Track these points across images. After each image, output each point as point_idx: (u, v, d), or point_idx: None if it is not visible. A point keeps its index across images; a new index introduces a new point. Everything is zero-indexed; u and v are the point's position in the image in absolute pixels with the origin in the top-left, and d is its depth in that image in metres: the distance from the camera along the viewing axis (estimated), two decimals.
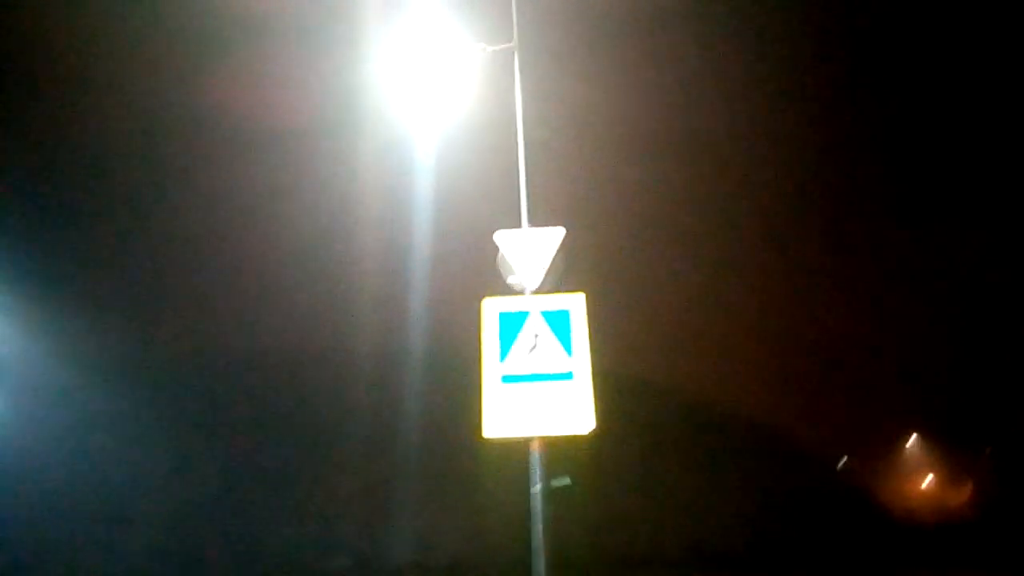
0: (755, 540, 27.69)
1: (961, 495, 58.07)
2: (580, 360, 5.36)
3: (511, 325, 5.43)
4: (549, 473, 5.29)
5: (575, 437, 5.40)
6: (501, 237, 5.73)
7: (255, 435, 29.08)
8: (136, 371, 29.21)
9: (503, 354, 5.37)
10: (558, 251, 5.71)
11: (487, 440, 5.42)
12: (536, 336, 5.39)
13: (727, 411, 37.03)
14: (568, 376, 5.33)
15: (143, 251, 33.22)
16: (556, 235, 5.74)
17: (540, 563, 5.06)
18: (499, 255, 5.76)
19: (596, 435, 5.87)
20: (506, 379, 5.33)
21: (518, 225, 5.90)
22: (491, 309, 5.46)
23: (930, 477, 61.03)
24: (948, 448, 58.15)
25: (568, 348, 5.38)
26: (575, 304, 5.46)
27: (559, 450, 5.48)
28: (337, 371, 29.52)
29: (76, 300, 29.19)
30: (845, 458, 53.25)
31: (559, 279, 5.71)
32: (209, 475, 28.38)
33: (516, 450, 5.61)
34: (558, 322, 5.43)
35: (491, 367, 5.35)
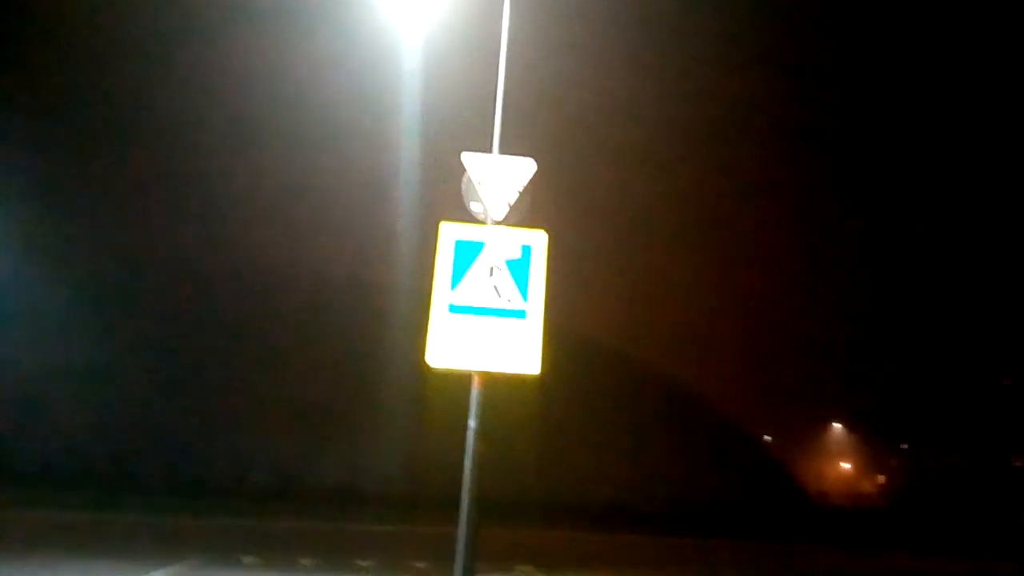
0: (676, 502, 28.47)
1: (875, 483, 60.80)
2: (535, 300, 5.13)
3: (467, 254, 5.15)
4: (487, 411, 5.10)
5: (517, 378, 5.21)
6: (469, 159, 5.40)
7: (194, 345, 28.45)
8: (79, 265, 28.22)
9: (454, 283, 5.11)
10: (527, 185, 5.41)
11: (431, 372, 5.20)
12: (492, 269, 5.13)
13: (667, 376, 37.68)
14: (520, 314, 5.11)
15: (110, 151, 32.03)
16: (527, 167, 5.43)
17: (467, 499, 4.92)
18: (464, 178, 5.44)
19: (538, 381, 5.71)
20: (454, 309, 5.08)
21: (489, 151, 5.57)
22: (448, 234, 5.16)
23: (846, 464, 63.64)
24: (866, 441, 60.64)
25: (524, 286, 5.14)
26: (537, 241, 5.20)
27: (500, 389, 5.29)
28: (288, 289, 28.93)
29: (34, 191, 27.98)
30: (768, 437, 55.16)
31: (524, 214, 5.43)
32: (141, 378, 27.78)
33: (460, 384, 5.41)
34: (518, 257, 5.17)
35: (441, 295, 5.08)
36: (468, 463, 4.99)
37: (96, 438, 25.96)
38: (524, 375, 5.07)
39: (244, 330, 28.40)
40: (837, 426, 62.03)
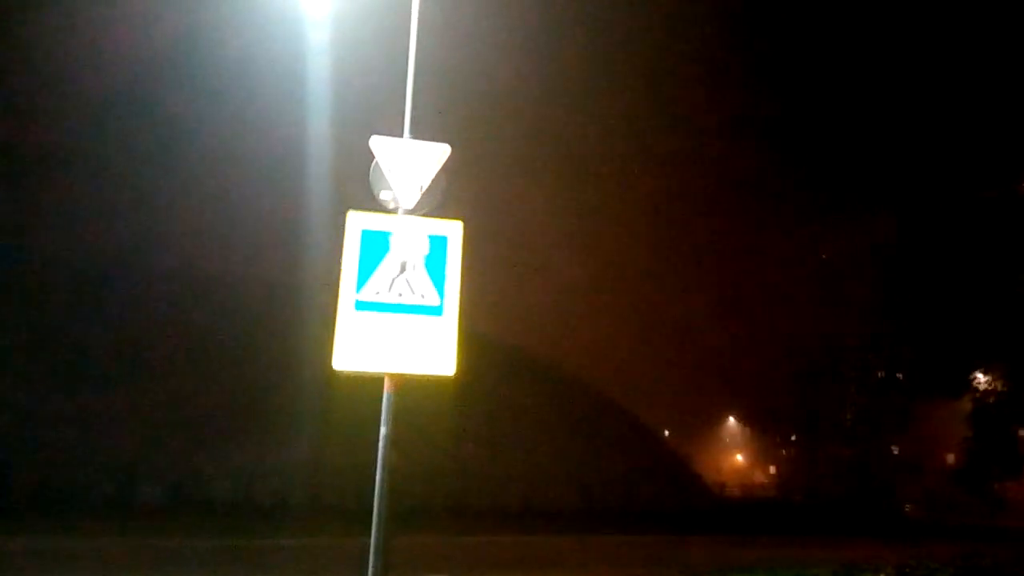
0: (587, 500, 28.69)
1: (767, 474, 63.55)
2: (451, 295, 4.78)
3: (376, 246, 4.75)
4: (399, 416, 4.71)
5: (430, 381, 4.85)
6: (378, 144, 4.99)
7: (77, 345, 26.40)
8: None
9: (362, 278, 4.69)
10: (440, 170, 5.05)
11: (339, 375, 4.77)
12: (403, 263, 4.75)
13: (573, 377, 38.03)
14: (435, 311, 4.74)
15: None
16: (441, 151, 5.07)
17: (379, 508, 4.53)
18: (373, 164, 5.02)
19: (451, 383, 5.37)
20: (362, 306, 4.66)
21: (400, 135, 5.17)
22: (355, 224, 4.74)
23: (740, 456, 66.28)
24: (759, 433, 63.34)
25: (439, 280, 4.78)
26: (452, 231, 4.85)
27: (412, 393, 4.91)
28: (180, 288, 27.25)
29: None
30: (666, 432, 56.72)
31: (438, 202, 5.07)
32: (15, 380, 25.54)
33: (370, 388, 5.00)
34: (431, 249, 4.81)
35: (347, 291, 4.66)
36: (380, 472, 4.59)
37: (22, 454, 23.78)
38: (438, 377, 4.72)
39: (131, 331, 26.58)
40: (731, 420, 64.54)
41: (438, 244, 4.83)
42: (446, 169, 5.06)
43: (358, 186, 5.04)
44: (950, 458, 45.67)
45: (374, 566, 4.49)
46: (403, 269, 4.74)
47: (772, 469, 63.07)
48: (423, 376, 4.68)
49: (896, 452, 50.04)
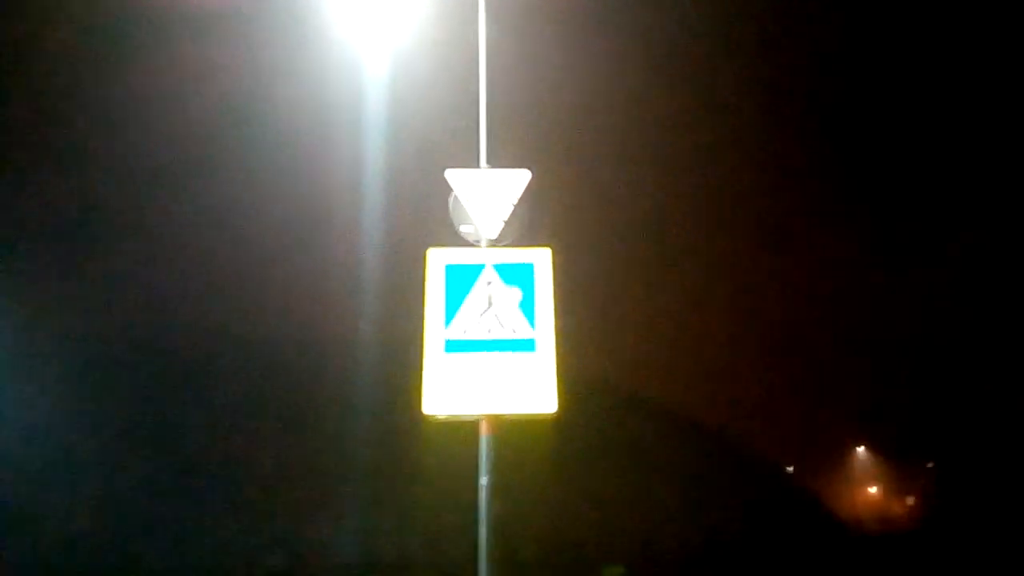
0: (705, 543, 27.19)
1: (904, 506, 59.13)
2: (543, 327, 4.43)
3: (460, 281, 4.48)
4: (500, 463, 4.35)
5: (530, 422, 4.49)
6: (455, 177, 4.76)
7: (181, 424, 27.44)
8: (54, 345, 27.38)
9: (449, 317, 4.42)
10: (521, 197, 4.76)
11: (432, 424, 4.48)
12: (491, 296, 4.45)
13: (682, 412, 36.60)
14: (528, 346, 4.40)
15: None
16: (520, 178, 4.80)
17: (484, 566, 4.14)
18: (451, 198, 4.79)
19: (552, 423, 4.99)
20: (452, 346, 4.37)
21: (475, 166, 4.94)
22: (437, 261, 4.49)
23: (874, 488, 62.02)
24: (893, 462, 59.27)
25: (530, 312, 4.45)
26: (540, 259, 4.53)
27: (511, 437, 4.54)
28: (267, 348, 27.82)
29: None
30: (791, 468, 53.79)
31: (522, 231, 4.77)
32: (133, 465, 26.70)
33: (464, 435, 4.68)
34: (519, 280, 4.49)
35: (434, 332, 4.39)
36: (483, 526, 4.23)
37: (94, 530, 24.80)
38: (539, 416, 4.35)
39: (236, 402, 27.42)
40: (860, 449, 60.62)
41: (526, 273, 4.52)
42: (528, 196, 4.77)
43: (435, 224, 4.81)
44: None
45: None
46: (491, 304, 4.45)
47: (910, 500, 58.63)
48: (522, 416, 4.32)
49: None
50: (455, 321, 4.42)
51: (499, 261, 4.52)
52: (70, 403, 26.41)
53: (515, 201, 4.75)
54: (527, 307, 4.45)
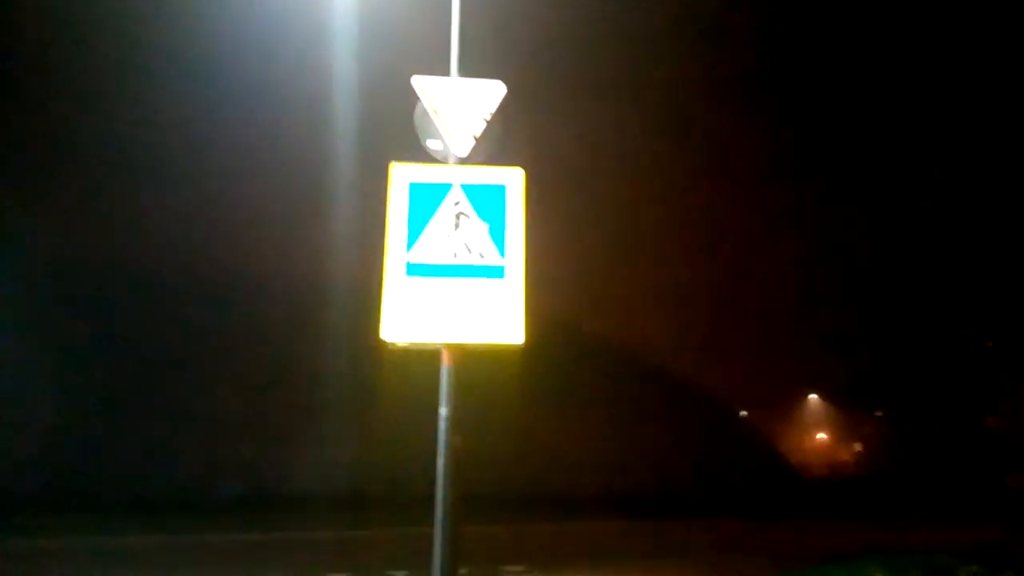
0: (663, 485, 27.81)
1: (852, 452, 61.21)
2: (514, 253, 4.15)
3: (426, 200, 4.15)
4: (461, 395, 4.11)
5: (494, 353, 4.24)
6: (422, 84, 4.38)
7: (141, 356, 26.89)
8: (22, 276, 26.45)
9: (412, 239, 4.10)
10: (496, 112, 4.41)
11: (393, 352, 4.22)
12: (459, 217, 4.14)
13: (643, 353, 36.98)
14: (497, 272, 4.12)
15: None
16: (495, 90, 4.43)
17: (444, 498, 3.95)
18: (417, 109, 4.42)
19: (517, 356, 4.76)
20: (414, 270, 4.08)
21: (446, 74, 4.55)
22: (400, 177, 4.15)
23: (822, 435, 63.98)
24: (842, 410, 61.02)
25: (500, 236, 4.15)
26: (513, 181, 4.22)
27: (475, 367, 4.30)
28: (227, 280, 27.11)
29: None
30: (744, 412, 55.10)
31: (495, 149, 4.43)
32: (94, 394, 26.19)
33: (426, 364, 4.43)
34: (490, 202, 4.18)
35: (395, 254, 4.08)
36: (441, 458, 4.02)
37: (46, 456, 24.40)
38: (505, 346, 4.11)
39: (187, 335, 26.86)
40: (813, 397, 62.22)
41: (497, 196, 4.20)
42: (502, 111, 4.42)
43: (401, 138, 4.44)
44: None
45: (441, 557, 3.95)
46: (458, 226, 4.14)
47: (857, 447, 60.66)
48: (487, 346, 4.07)
49: (991, 425, 47.39)
50: (418, 243, 4.12)
51: (468, 181, 4.20)
52: (32, 325, 25.70)
53: (488, 116, 4.40)
54: (497, 232, 4.16)
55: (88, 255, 27.20)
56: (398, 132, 4.46)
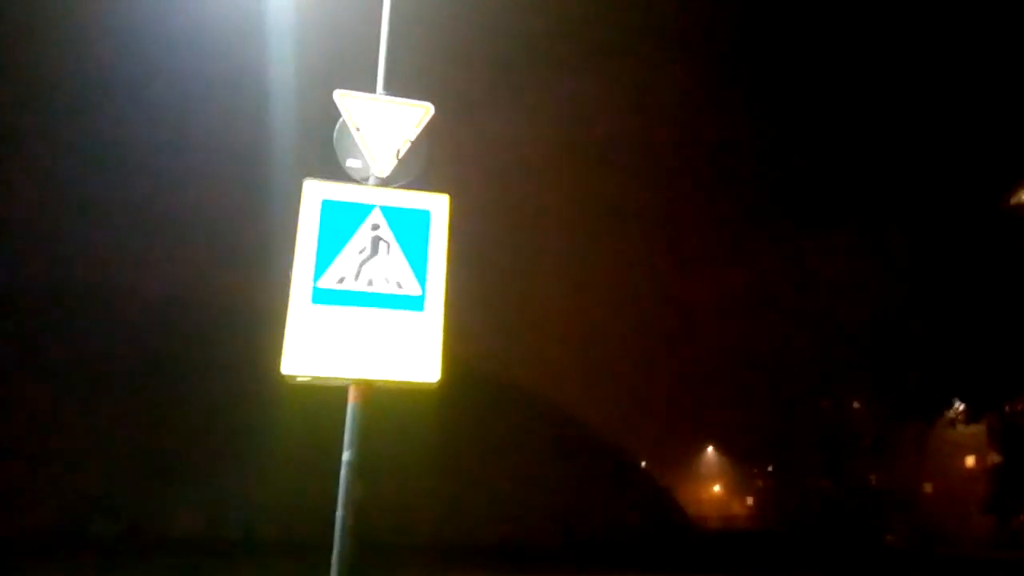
0: (568, 535, 27.47)
1: (744, 505, 62.76)
2: (434, 284, 3.85)
3: (341, 222, 3.81)
4: (366, 438, 3.74)
5: (407, 391, 3.91)
6: (345, 100, 4.07)
7: (12, 379, 24.74)
8: None
9: (322, 263, 3.74)
10: (420, 135, 4.14)
11: (295, 388, 3.82)
12: (376, 242, 3.81)
13: (551, 403, 36.92)
14: (415, 304, 3.80)
15: None
16: (422, 112, 4.17)
17: (341, 554, 3.54)
18: (338, 126, 4.10)
19: (431, 395, 4.43)
20: (322, 296, 3.71)
21: (372, 91, 4.26)
22: (313, 194, 3.80)
23: (717, 487, 65.46)
24: (736, 462, 62.70)
25: (421, 266, 3.85)
26: (437, 206, 3.93)
27: (381, 408, 3.93)
28: (117, 296, 25.41)
29: None
30: (644, 463, 55.75)
31: (417, 172, 4.16)
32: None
33: (330, 402, 4.04)
34: (411, 228, 3.88)
35: (302, 279, 3.71)
36: (342, 507, 3.61)
37: None
38: (418, 385, 3.77)
39: (81, 354, 24.97)
40: (710, 449, 63.73)
41: (419, 221, 3.91)
42: (428, 133, 4.16)
43: (318, 155, 4.11)
44: (928, 487, 45.38)
45: None
46: (375, 252, 3.81)
47: (749, 500, 62.29)
48: (398, 383, 3.73)
49: (873, 482, 49.54)
50: (330, 268, 3.76)
51: (390, 203, 3.89)
52: None
53: (412, 137, 4.13)
54: (417, 260, 3.85)
55: None
56: (316, 148, 4.11)
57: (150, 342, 25.93)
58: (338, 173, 4.08)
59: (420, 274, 3.85)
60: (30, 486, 23.95)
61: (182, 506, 24.77)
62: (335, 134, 4.11)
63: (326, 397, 4.07)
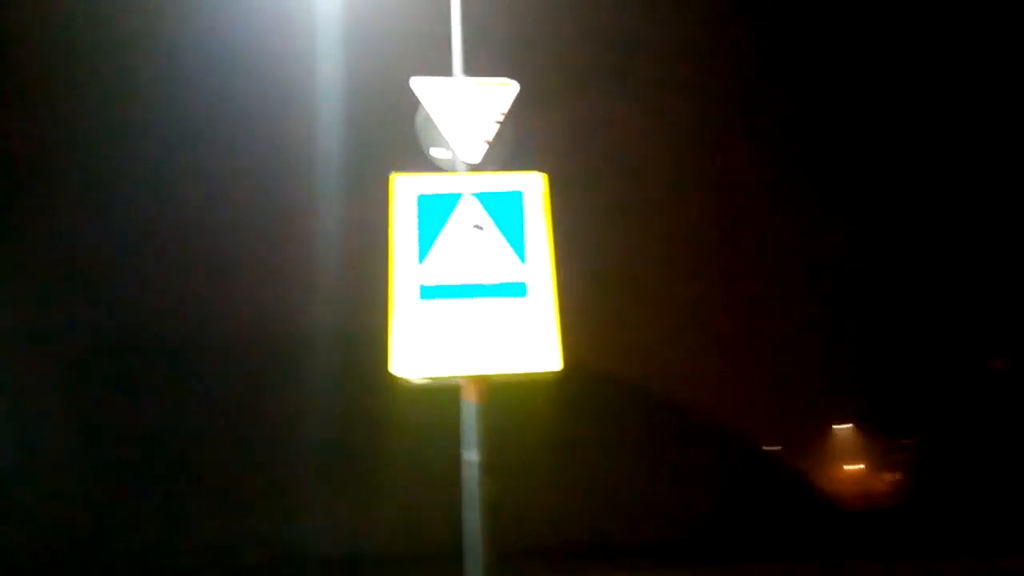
0: (701, 528, 26.68)
1: (888, 483, 59.58)
2: (537, 266, 3.61)
3: (435, 213, 3.64)
4: (491, 435, 3.54)
5: (525, 384, 3.69)
6: (423, 86, 3.90)
7: (148, 423, 26.25)
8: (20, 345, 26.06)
9: (422, 255, 3.58)
10: (507, 113, 3.92)
11: (407, 390, 3.68)
12: (473, 229, 3.62)
13: (664, 390, 35.99)
14: (519, 289, 3.59)
15: None
16: (506, 90, 3.95)
17: (475, 557, 3.34)
18: (419, 115, 3.94)
19: (552, 384, 4.19)
20: (427, 292, 3.54)
21: (449, 74, 4.08)
22: (405, 190, 3.65)
23: (859, 465, 62.38)
24: (876, 438, 59.64)
25: (520, 248, 3.63)
26: (531, 186, 3.71)
27: (505, 401, 3.73)
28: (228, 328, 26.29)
29: None
30: (775, 446, 53.74)
31: (508, 154, 3.94)
32: (102, 463, 25.52)
33: (446, 401, 3.87)
34: (506, 210, 3.67)
35: (404, 275, 3.55)
36: (470, 510, 3.42)
37: (63, 530, 23.65)
38: (536, 375, 3.54)
39: (192, 399, 26.24)
40: (843, 427, 60.88)
41: (514, 203, 3.69)
42: (515, 113, 3.94)
43: (402, 148, 3.95)
44: None
45: None
46: (473, 240, 3.62)
47: (890, 476, 59.01)
48: (515, 376, 3.51)
49: None
50: (428, 262, 3.59)
51: (481, 189, 3.69)
52: (37, 400, 25.18)
53: (499, 118, 3.91)
54: (518, 243, 3.63)
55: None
56: (397, 141, 3.96)
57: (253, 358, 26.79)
58: (426, 165, 3.91)
59: (522, 257, 3.63)
60: (173, 524, 25.26)
61: (313, 530, 25.57)
62: (418, 123, 3.96)
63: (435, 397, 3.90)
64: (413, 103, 3.90)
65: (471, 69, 4.09)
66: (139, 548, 24.10)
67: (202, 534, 25.27)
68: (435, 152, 3.94)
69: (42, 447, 24.59)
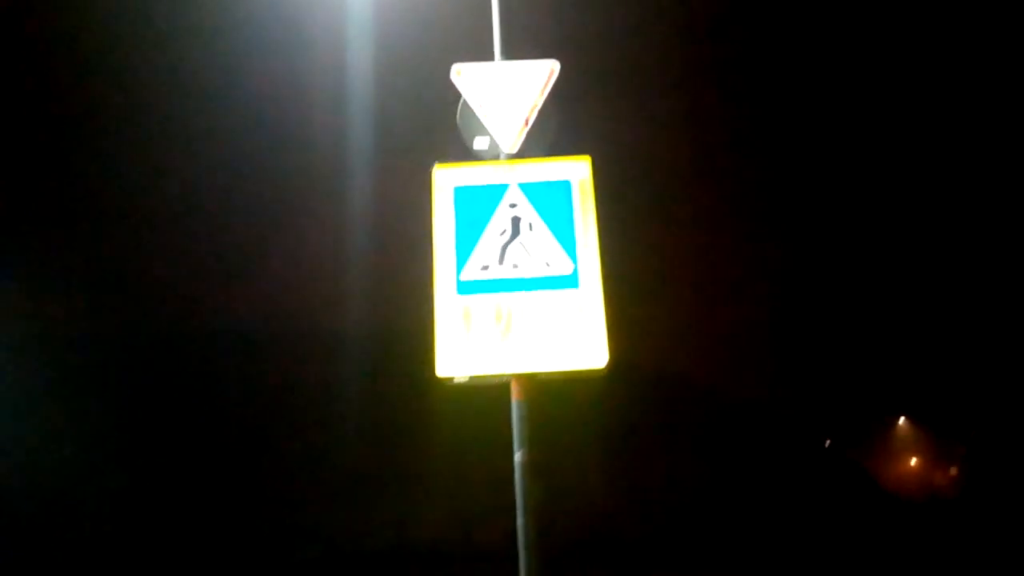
0: (756, 530, 26.14)
1: (946, 476, 57.71)
2: (587, 257, 3.44)
3: (477, 206, 3.50)
4: (537, 433, 3.38)
5: (574, 381, 3.52)
6: (462, 73, 3.76)
7: (206, 420, 26.83)
8: (81, 345, 26.85)
9: (463, 252, 3.44)
10: (549, 96, 3.75)
11: (453, 390, 3.55)
12: (517, 221, 3.47)
13: (713, 384, 35.33)
14: (569, 282, 3.42)
15: None
16: (546, 71, 3.78)
17: (525, 555, 3.20)
18: (459, 104, 3.80)
19: (599, 384, 4.01)
20: (468, 287, 3.40)
21: (489, 58, 3.93)
22: (445, 183, 3.52)
23: (916, 459, 60.57)
24: (934, 432, 57.81)
25: (569, 240, 3.46)
26: (577, 172, 3.53)
27: (553, 399, 3.57)
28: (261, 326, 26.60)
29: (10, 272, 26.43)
30: (828, 441, 52.48)
31: (551, 139, 3.77)
32: (160, 464, 26.18)
33: (495, 400, 3.74)
34: (552, 200, 3.50)
35: (445, 272, 3.42)
36: (521, 511, 3.28)
37: (122, 530, 24.33)
38: (584, 373, 3.38)
39: (243, 398, 26.72)
40: (901, 421, 59.17)
41: (559, 192, 3.52)
42: (556, 94, 3.77)
43: (442, 138, 3.82)
44: None
45: None
46: (517, 232, 3.46)
47: (953, 471, 57.16)
48: (563, 373, 3.35)
49: None
50: (472, 257, 3.45)
51: (525, 179, 3.53)
52: (77, 404, 25.92)
53: (540, 100, 3.75)
54: (564, 233, 3.47)
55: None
56: (438, 133, 3.83)
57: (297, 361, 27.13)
58: (468, 154, 3.77)
59: (569, 249, 3.46)
60: (229, 521, 25.71)
61: (367, 525, 25.78)
62: (458, 113, 3.82)
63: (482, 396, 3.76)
64: (455, 96, 3.77)
65: (510, 52, 3.94)
66: (195, 543, 24.69)
67: (259, 530, 25.79)
68: (477, 143, 3.80)
69: (82, 443, 25.33)
